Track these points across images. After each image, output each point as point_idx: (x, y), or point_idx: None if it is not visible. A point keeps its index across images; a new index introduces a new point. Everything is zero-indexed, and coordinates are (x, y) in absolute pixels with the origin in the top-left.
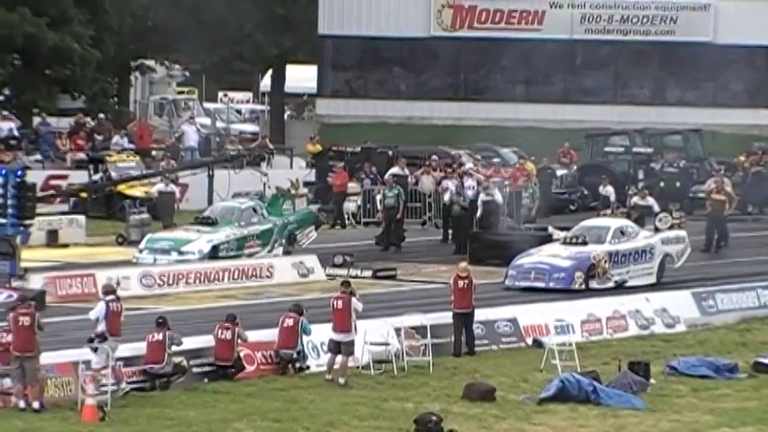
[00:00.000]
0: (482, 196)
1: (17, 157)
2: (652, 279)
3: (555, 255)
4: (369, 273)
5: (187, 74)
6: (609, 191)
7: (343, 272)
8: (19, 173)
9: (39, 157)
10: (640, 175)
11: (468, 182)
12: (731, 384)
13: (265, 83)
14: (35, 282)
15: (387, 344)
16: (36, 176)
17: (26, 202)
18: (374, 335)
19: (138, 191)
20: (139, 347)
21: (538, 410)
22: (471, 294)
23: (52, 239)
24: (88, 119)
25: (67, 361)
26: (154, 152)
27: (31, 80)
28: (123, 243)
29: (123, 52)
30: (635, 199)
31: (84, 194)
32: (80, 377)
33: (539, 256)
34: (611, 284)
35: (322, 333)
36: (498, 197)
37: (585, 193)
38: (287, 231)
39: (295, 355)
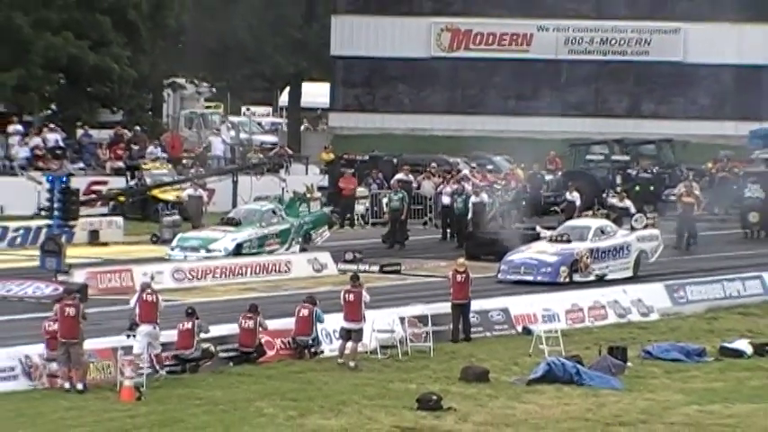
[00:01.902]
0: (473, 198)
1: (63, 165)
2: (629, 273)
3: (542, 251)
4: (376, 268)
5: (214, 90)
6: (575, 196)
7: (353, 267)
8: (64, 179)
9: (81, 165)
10: (618, 180)
11: (467, 186)
12: (700, 367)
13: (283, 98)
14: (78, 276)
15: (392, 331)
16: (79, 182)
17: (70, 206)
18: (381, 323)
19: (170, 195)
20: (171, 335)
21: (527, 390)
22: (468, 287)
23: (93, 238)
24: (126, 131)
25: (107, 347)
26: (184, 160)
27: (74, 96)
28: (157, 242)
29: (157, 71)
30: (614, 201)
31: (122, 198)
32: (119, 361)
33: (528, 252)
34: (592, 278)
35: (334, 321)
36: (486, 199)
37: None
38: (303, 231)
39: (310, 342)
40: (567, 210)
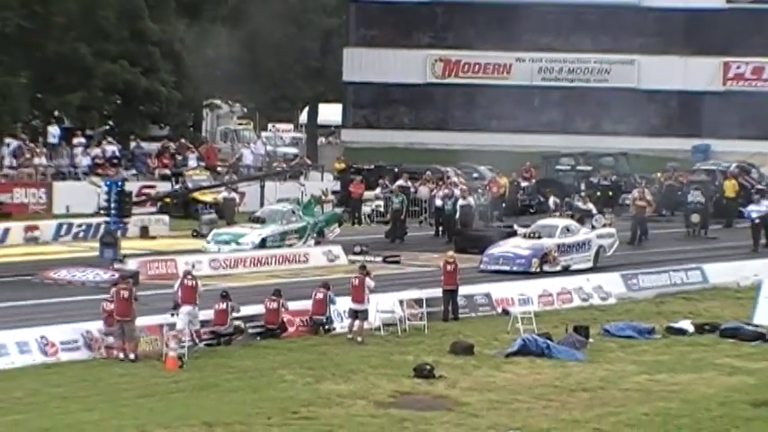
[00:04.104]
0: (460, 201)
1: (118, 171)
2: (590, 264)
3: (517, 246)
4: (380, 259)
5: (245, 110)
6: (551, 201)
7: (361, 258)
8: (119, 183)
9: (134, 171)
10: (582, 186)
11: (456, 191)
12: (649, 343)
13: (303, 117)
14: (131, 264)
15: (393, 312)
16: (132, 186)
17: (125, 205)
18: (384, 305)
19: (208, 197)
20: (208, 314)
21: (505, 362)
22: (456, 275)
23: (144, 233)
24: (171, 143)
25: (155, 324)
26: (219, 168)
27: (129, 115)
28: (197, 236)
29: (198, 94)
30: (578, 204)
31: (167, 200)
32: (164, 336)
33: (505, 246)
34: (559, 268)
35: (345, 304)
36: (472, 202)
37: (542, 200)
38: (317, 228)
39: (324, 320)
40: (547, 211)
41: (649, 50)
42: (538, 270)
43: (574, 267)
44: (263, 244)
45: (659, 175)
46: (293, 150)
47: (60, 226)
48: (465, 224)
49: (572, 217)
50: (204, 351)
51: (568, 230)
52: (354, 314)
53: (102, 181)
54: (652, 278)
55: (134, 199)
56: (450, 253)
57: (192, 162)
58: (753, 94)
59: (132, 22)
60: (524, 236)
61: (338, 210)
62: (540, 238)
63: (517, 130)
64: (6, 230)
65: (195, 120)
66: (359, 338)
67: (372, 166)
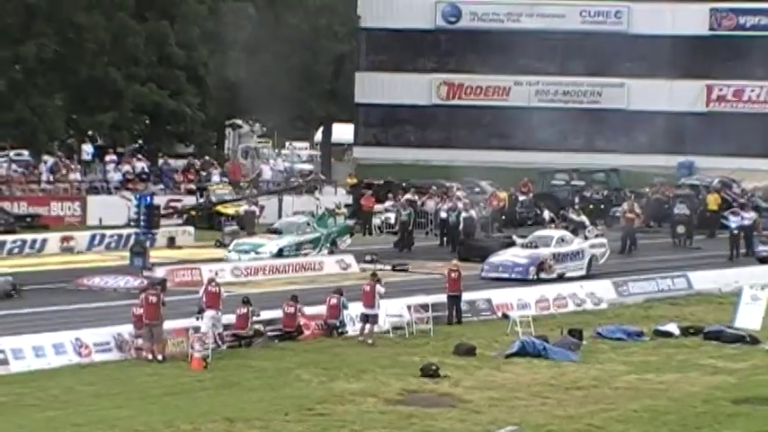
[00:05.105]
0: (463, 214)
1: (147, 186)
2: (583, 272)
3: (516, 255)
4: (389, 267)
5: (264, 129)
6: (546, 214)
7: (371, 266)
8: (148, 197)
9: (162, 186)
10: (576, 200)
11: (459, 204)
12: (638, 345)
13: (318, 136)
14: (159, 272)
15: (401, 316)
16: (160, 200)
17: (153, 217)
18: (393, 309)
19: (230, 210)
20: (231, 318)
21: (505, 362)
22: (460, 282)
23: (171, 243)
24: (196, 160)
25: (181, 327)
26: (241, 183)
27: (156, 134)
28: (220, 246)
29: (220, 114)
30: (572, 216)
31: (193, 212)
32: (190, 338)
33: (505, 255)
34: (554, 276)
35: (357, 308)
36: (474, 214)
37: (538, 213)
38: (331, 238)
39: (338, 324)
40: (542, 224)
41: (638, 74)
42: (535, 277)
43: (568, 275)
44: (280, 253)
45: (647, 189)
46: (309, 167)
47: (94, 237)
48: (468, 235)
49: (566, 228)
50: (227, 352)
51: (563, 241)
52: (365, 318)
53: (133, 195)
54: (641, 285)
55: (162, 212)
56: (455, 261)
57: (216, 177)
58: (734, 114)
59: (159, 49)
60: (522, 246)
61: (350, 222)
62: (536, 247)
63: (515, 148)
64: (44, 241)
65: (218, 138)
66: (369, 341)
67: (382, 182)
